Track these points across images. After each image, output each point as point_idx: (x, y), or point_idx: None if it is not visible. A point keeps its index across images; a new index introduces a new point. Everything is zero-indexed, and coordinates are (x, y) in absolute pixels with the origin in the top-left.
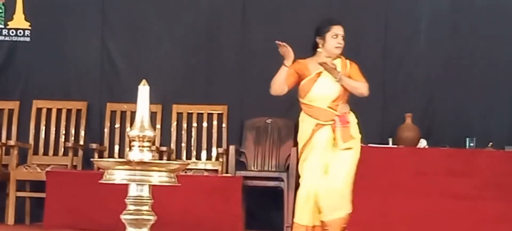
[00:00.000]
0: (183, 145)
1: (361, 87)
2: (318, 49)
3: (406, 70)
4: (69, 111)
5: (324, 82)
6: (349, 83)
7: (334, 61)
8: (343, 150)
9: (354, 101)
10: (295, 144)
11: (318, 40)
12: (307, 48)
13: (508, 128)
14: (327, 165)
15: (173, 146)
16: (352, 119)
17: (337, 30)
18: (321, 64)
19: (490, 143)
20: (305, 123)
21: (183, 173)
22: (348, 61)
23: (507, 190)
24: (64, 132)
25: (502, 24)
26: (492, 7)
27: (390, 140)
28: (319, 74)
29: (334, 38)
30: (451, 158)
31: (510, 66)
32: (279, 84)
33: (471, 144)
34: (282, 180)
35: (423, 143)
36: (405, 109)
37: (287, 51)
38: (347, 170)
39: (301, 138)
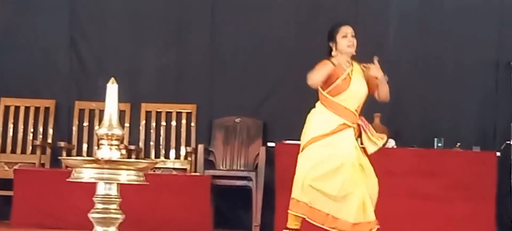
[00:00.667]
0: (152, 143)
1: (388, 92)
2: (333, 53)
3: None
4: (37, 109)
5: (357, 84)
6: (383, 88)
7: (355, 66)
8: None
9: None
10: (264, 143)
11: (331, 45)
12: (276, 48)
13: (476, 128)
14: (363, 166)
15: (141, 144)
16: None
17: (346, 29)
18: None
19: (458, 144)
20: (326, 116)
21: (152, 172)
22: (361, 65)
23: (474, 190)
24: (32, 130)
25: (471, 25)
26: (460, 8)
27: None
28: (350, 75)
29: (344, 37)
30: (419, 158)
31: (478, 67)
32: (321, 78)
33: (439, 144)
34: (251, 180)
35: (391, 143)
36: (374, 109)
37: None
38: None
39: (317, 128)
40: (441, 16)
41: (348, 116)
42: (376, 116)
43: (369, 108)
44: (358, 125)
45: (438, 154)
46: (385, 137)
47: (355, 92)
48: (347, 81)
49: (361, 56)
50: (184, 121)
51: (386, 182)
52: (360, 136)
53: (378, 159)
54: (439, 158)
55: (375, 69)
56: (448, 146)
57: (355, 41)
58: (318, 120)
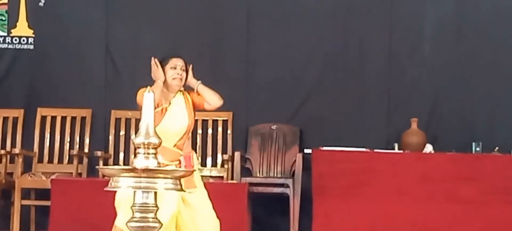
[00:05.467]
0: None
1: (217, 93)
2: (159, 82)
3: (411, 75)
4: (73, 119)
5: (173, 118)
6: (206, 88)
7: (176, 97)
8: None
9: (358, 107)
10: (301, 150)
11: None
12: (311, 54)
13: None
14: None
15: None
16: (195, 160)
17: (176, 61)
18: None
19: (496, 148)
20: None
21: None
22: (188, 94)
23: None
24: (68, 139)
25: (507, 27)
26: (497, 10)
27: (396, 145)
28: (166, 109)
29: (173, 69)
30: (457, 163)
31: None
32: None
33: (477, 149)
34: (288, 186)
35: (429, 148)
36: (411, 114)
37: (158, 71)
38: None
39: None
40: (478, 19)
41: (167, 153)
42: (413, 121)
43: (407, 113)
44: (179, 162)
45: (476, 159)
46: (196, 187)
47: (168, 127)
48: (159, 115)
49: (397, 62)
50: (220, 129)
51: (424, 188)
52: None
53: (415, 165)
54: (477, 162)
55: (189, 79)
56: (486, 150)
57: (184, 75)
58: None
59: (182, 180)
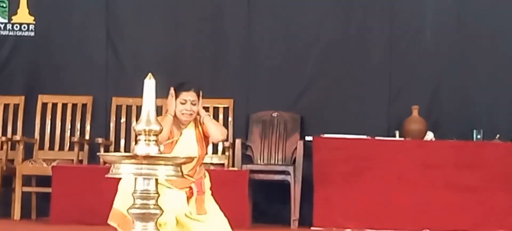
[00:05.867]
0: None
1: (220, 127)
2: (169, 114)
3: (412, 63)
4: (74, 106)
5: (182, 150)
6: (209, 123)
7: (188, 129)
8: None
9: (359, 94)
10: (302, 137)
11: (170, 103)
12: (313, 42)
13: None
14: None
15: None
16: (207, 182)
17: (187, 96)
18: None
19: (497, 135)
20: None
21: None
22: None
23: None
24: (69, 126)
25: (509, 14)
26: None
27: (397, 133)
28: (176, 141)
29: (182, 104)
30: (458, 150)
31: None
32: (168, 133)
33: (478, 136)
34: (289, 174)
35: (430, 136)
36: (412, 102)
37: (171, 104)
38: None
39: None
40: (478, 6)
41: (176, 181)
42: (414, 108)
43: (408, 101)
44: (191, 188)
45: (477, 146)
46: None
47: None
48: (169, 147)
49: (398, 50)
50: (221, 116)
51: (425, 175)
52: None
53: (416, 152)
54: (478, 150)
55: (199, 108)
56: (487, 137)
57: (195, 109)
58: None
59: (193, 204)
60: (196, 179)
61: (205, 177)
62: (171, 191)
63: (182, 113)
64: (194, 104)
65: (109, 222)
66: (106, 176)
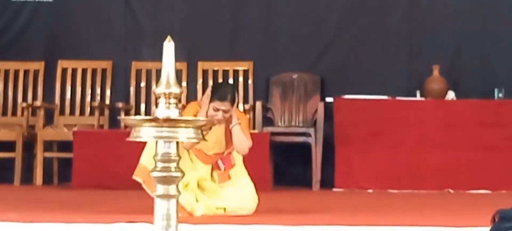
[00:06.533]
0: None
1: (245, 141)
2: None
3: (432, 22)
4: (94, 71)
5: (210, 139)
6: (239, 134)
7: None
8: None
9: (379, 55)
10: (322, 99)
11: (205, 99)
12: (332, 2)
13: None
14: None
15: None
16: (238, 155)
17: (220, 105)
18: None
19: None
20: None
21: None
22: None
23: None
24: (89, 91)
25: None
26: None
27: (418, 93)
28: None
29: (215, 111)
30: (479, 109)
31: None
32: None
33: (500, 95)
34: (310, 135)
35: (451, 95)
36: (432, 61)
37: (205, 103)
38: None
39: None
40: None
41: (202, 157)
42: (435, 67)
43: (428, 60)
44: (217, 164)
45: (498, 105)
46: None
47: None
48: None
49: (419, 9)
50: (241, 79)
51: (446, 135)
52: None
53: (438, 112)
54: (500, 108)
55: (232, 114)
56: (509, 96)
57: (226, 117)
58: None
59: (216, 174)
60: (225, 155)
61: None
62: (198, 162)
63: (213, 117)
64: (227, 112)
65: (134, 177)
66: (127, 139)
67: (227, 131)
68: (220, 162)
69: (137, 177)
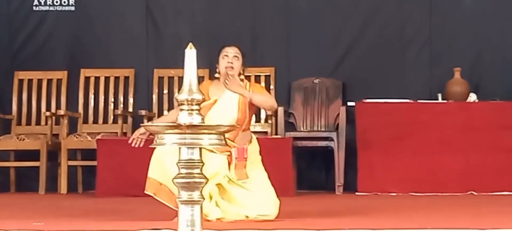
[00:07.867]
0: None
1: (269, 99)
2: (216, 75)
3: (453, 25)
4: (116, 79)
5: (219, 111)
6: (258, 99)
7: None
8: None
9: (400, 58)
10: (344, 103)
11: (216, 66)
12: (352, 6)
13: None
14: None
15: None
16: (253, 148)
17: (228, 49)
18: (224, 83)
19: None
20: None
21: None
22: (248, 83)
23: None
24: (112, 99)
25: None
26: None
27: (439, 95)
28: (215, 101)
29: (224, 57)
30: (501, 111)
31: None
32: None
33: None
34: (332, 140)
35: (472, 97)
36: (454, 64)
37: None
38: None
39: None
40: None
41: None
42: (456, 70)
43: (449, 63)
44: (231, 154)
45: None
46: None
47: (212, 120)
48: (207, 108)
49: (439, 12)
50: (263, 84)
51: (468, 137)
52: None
53: (459, 114)
54: None
55: (234, 87)
56: None
57: (236, 63)
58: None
59: (233, 171)
60: (239, 146)
61: (250, 143)
62: (212, 154)
63: (226, 67)
64: (237, 58)
65: (146, 192)
66: (150, 146)
67: (243, 98)
68: (233, 151)
69: (148, 191)
